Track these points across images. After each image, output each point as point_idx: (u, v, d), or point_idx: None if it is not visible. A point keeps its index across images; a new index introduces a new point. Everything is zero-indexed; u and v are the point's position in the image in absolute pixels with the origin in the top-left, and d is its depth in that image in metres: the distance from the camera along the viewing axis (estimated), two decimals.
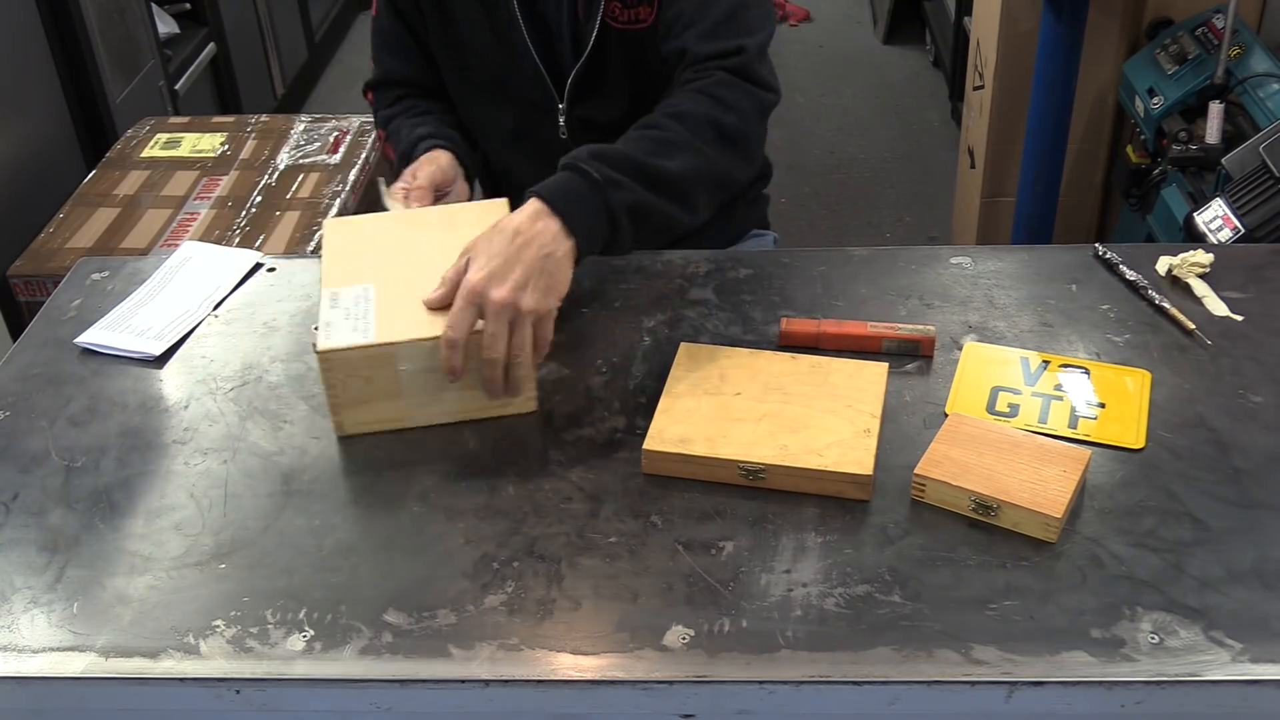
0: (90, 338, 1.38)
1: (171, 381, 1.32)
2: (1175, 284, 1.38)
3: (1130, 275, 1.38)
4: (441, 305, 1.18)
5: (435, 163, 1.48)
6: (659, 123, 1.35)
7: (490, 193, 1.76)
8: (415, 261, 1.25)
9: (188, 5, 3.43)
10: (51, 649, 1.00)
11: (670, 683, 0.95)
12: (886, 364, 1.24)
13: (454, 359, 1.15)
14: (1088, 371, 1.25)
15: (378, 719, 0.99)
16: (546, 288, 1.18)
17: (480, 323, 1.16)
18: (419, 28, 1.61)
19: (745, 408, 1.18)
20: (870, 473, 1.10)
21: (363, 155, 2.59)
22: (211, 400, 1.28)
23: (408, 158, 1.53)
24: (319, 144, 2.64)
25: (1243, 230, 1.90)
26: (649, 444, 1.15)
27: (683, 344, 1.28)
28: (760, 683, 0.95)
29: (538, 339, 1.18)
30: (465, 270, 1.17)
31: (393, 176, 1.53)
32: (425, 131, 1.55)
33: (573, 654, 0.97)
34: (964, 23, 3.55)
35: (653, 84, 1.51)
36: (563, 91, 1.56)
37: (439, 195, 1.46)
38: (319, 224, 2.35)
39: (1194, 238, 1.98)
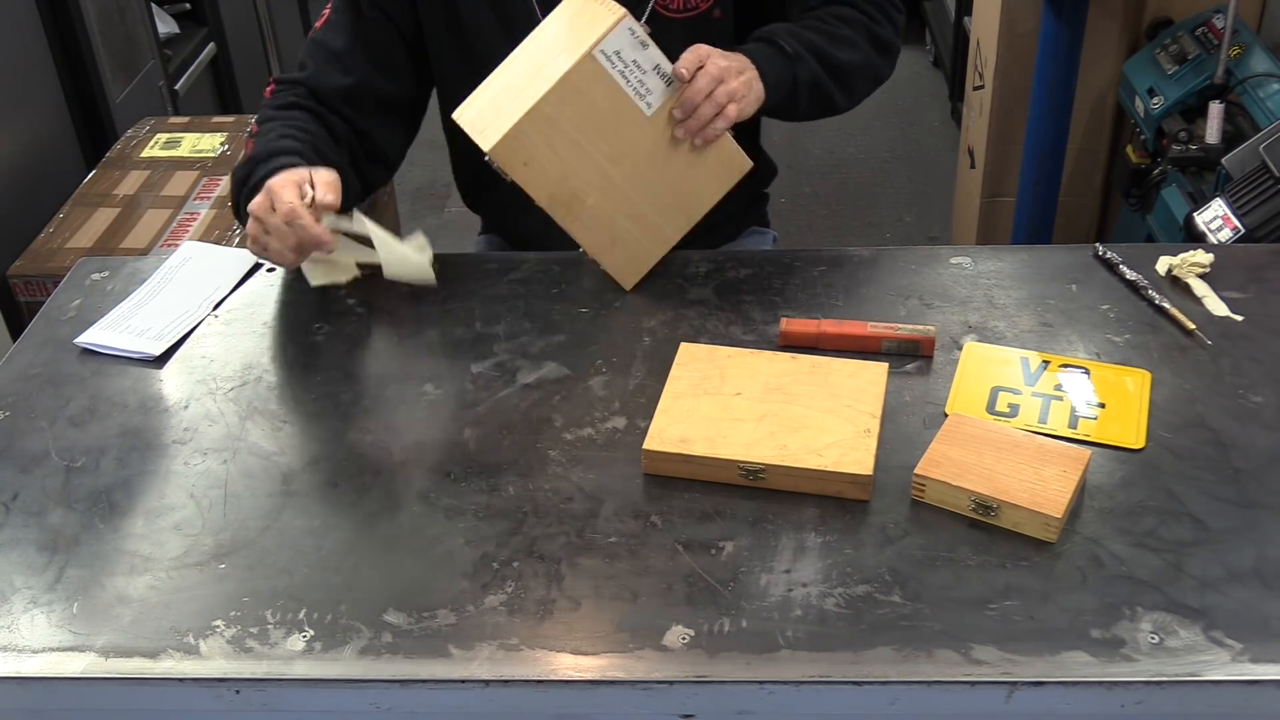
0: (90, 338, 1.38)
1: (171, 381, 1.32)
2: (1175, 284, 1.38)
3: (1130, 275, 1.38)
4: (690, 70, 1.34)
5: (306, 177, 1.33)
6: (827, 19, 1.52)
7: (480, 201, 1.75)
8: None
9: (188, 5, 3.43)
10: (51, 649, 1.00)
11: (670, 683, 0.95)
12: (886, 364, 1.24)
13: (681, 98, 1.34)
14: (1088, 371, 1.25)
15: (378, 719, 0.99)
16: (745, 105, 1.38)
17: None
18: (400, 42, 1.53)
19: (745, 408, 1.18)
20: (870, 473, 1.10)
21: None
22: (211, 400, 1.28)
23: (256, 162, 1.39)
24: None
25: (1243, 230, 1.90)
26: (649, 444, 1.15)
27: (683, 344, 1.28)
28: (760, 683, 0.95)
29: (728, 113, 1.36)
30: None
31: (232, 174, 1.44)
32: (290, 145, 1.40)
33: (573, 654, 0.97)
34: (964, 23, 3.55)
35: None
36: None
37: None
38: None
39: (1194, 238, 1.98)
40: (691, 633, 0.98)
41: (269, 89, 1.55)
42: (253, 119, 2.77)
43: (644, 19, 1.48)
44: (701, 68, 1.34)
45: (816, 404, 1.19)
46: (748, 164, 1.42)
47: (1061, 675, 0.94)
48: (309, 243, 1.28)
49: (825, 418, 1.17)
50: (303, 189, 1.29)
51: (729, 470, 1.13)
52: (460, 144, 1.65)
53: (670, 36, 1.49)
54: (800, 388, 1.21)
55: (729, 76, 1.35)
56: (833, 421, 1.16)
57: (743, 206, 1.76)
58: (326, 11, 1.56)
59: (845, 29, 1.52)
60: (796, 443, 1.14)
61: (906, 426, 1.20)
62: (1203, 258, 1.38)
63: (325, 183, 1.30)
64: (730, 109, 1.35)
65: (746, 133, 1.70)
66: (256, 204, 1.29)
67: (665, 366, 1.26)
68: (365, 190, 1.56)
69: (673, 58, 1.50)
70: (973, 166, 3.07)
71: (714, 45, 1.50)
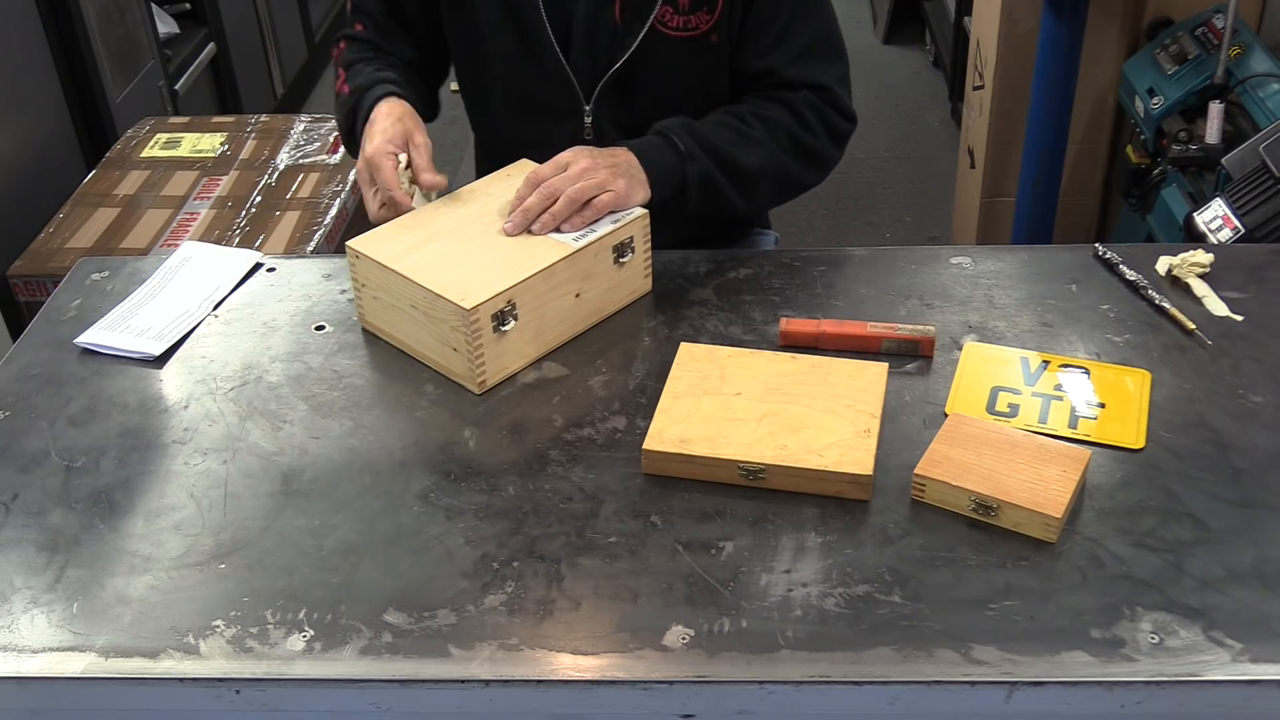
0: (90, 338, 1.38)
1: (171, 381, 1.32)
2: (1175, 284, 1.38)
3: (1130, 275, 1.38)
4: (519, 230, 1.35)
5: (408, 119, 1.45)
6: (745, 117, 1.49)
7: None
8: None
9: (188, 5, 3.43)
10: (51, 649, 1.00)
11: (670, 683, 0.95)
12: (886, 364, 1.24)
13: (527, 196, 1.34)
14: (1088, 371, 1.25)
15: (378, 719, 0.99)
16: (625, 184, 1.38)
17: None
18: (419, 25, 1.60)
19: (745, 408, 1.18)
20: (870, 473, 1.10)
21: None
22: (211, 400, 1.28)
23: (361, 92, 1.51)
24: (319, 144, 2.64)
25: (1243, 230, 1.90)
26: (649, 444, 1.15)
27: (683, 344, 1.28)
28: (760, 683, 0.95)
29: (598, 203, 1.36)
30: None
31: (338, 110, 1.57)
32: (387, 76, 1.54)
33: (573, 654, 0.97)
34: (964, 23, 3.55)
35: (691, 88, 1.52)
36: (590, 94, 1.54)
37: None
38: (319, 224, 2.35)
39: (1194, 238, 1.98)
40: (691, 633, 0.98)
41: (340, 46, 1.64)
42: (253, 119, 2.79)
43: (642, 34, 1.48)
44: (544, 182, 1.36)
45: (817, 404, 1.19)
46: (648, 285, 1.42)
47: (1061, 675, 0.94)
48: (399, 213, 1.40)
49: (825, 418, 1.17)
50: (399, 156, 1.40)
51: (729, 470, 1.13)
52: (480, 134, 1.70)
53: (669, 55, 1.51)
54: (800, 388, 1.21)
55: (565, 185, 1.34)
56: (833, 421, 1.16)
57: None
58: None
59: (759, 130, 1.48)
60: (797, 443, 1.14)
61: (906, 426, 1.20)
62: (1203, 258, 1.38)
63: (426, 164, 1.41)
64: (574, 217, 1.34)
65: None
66: (359, 174, 1.44)
67: (665, 366, 1.26)
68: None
69: (672, 74, 1.53)
70: (973, 166, 3.07)
71: (709, 69, 1.54)
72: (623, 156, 1.40)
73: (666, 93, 1.54)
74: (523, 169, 1.46)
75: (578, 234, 1.33)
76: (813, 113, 1.51)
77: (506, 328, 1.26)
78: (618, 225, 1.35)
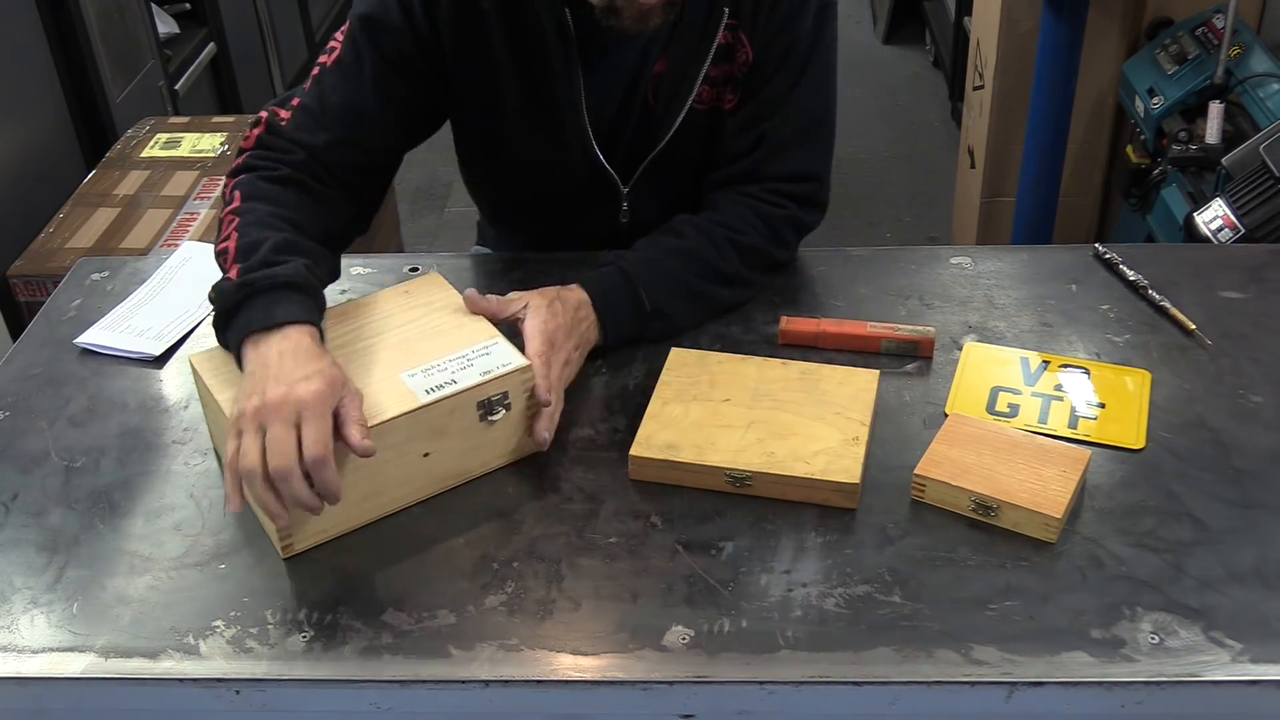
0: (90, 338, 1.38)
1: (171, 381, 1.32)
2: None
3: (1130, 275, 1.38)
4: (481, 310, 1.22)
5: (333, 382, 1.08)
6: (723, 253, 1.36)
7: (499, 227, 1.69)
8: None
9: (188, 5, 3.43)
10: (51, 649, 1.00)
11: (670, 683, 0.95)
12: (877, 371, 1.23)
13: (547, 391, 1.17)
14: (1088, 371, 1.25)
15: (377, 719, 0.99)
16: (579, 360, 1.28)
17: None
18: (414, 104, 1.38)
19: (734, 414, 1.18)
20: (857, 481, 1.09)
21: None
22: None
23: (254, 289, 1.12)
24: None
25: (1243, 230, 1.90)
26: (636, 450, 1.14)
27: (673, 349, 1.28)
28: (760, 683, 0.95)
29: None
30: (511, 306, 1.24)
31: (224, 287, 1.13)
32: (287, 274, 1.14)
33: (573, 654, 0.97)
34: (964, 23, 3.55)
35: (715, 156, 1.46)
36: (628, 179, 1.47)
37: None
38: None
39: (1194, 238, 1.98)
40: (691, 633, 0.98)
41: (259, 128, 1.34)
42: (251, 117, 2.77)
43: (681, 115, 1.40)
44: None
45: (806, 411, 1.18)
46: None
47: (1061, 675, 0.94)
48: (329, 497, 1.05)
49: (814, 425, 1.16)
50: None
51: (716, 477, 1.12)
52: (485, 183, 1.59)
53: (700, 129, 1.43)
54: (790, 394, 1.20)
55: (559, 363, 1.22)
56: (821, 429, 1.15)
57: None
58: (336, 46, 1.35)
59: (739, 266, 1.36)
60: (784, 450, 1.13)
61: (906, 426, 1.20)
62: None
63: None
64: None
65: None
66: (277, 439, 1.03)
67: None
68: (370, 215, 1.43)
69: (702, 148, 1.44)
70: (973, 166, 3.07)
71: (723, 135, 1.44)
72: (580, 322, 1.27)
73: (697, 165, 1.47)
74: (427, 286, 1.25)
75: (432, 385, 1.11)
76: (788, 229, 1.41)
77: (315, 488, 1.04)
78: (486, 378, 1.12)
